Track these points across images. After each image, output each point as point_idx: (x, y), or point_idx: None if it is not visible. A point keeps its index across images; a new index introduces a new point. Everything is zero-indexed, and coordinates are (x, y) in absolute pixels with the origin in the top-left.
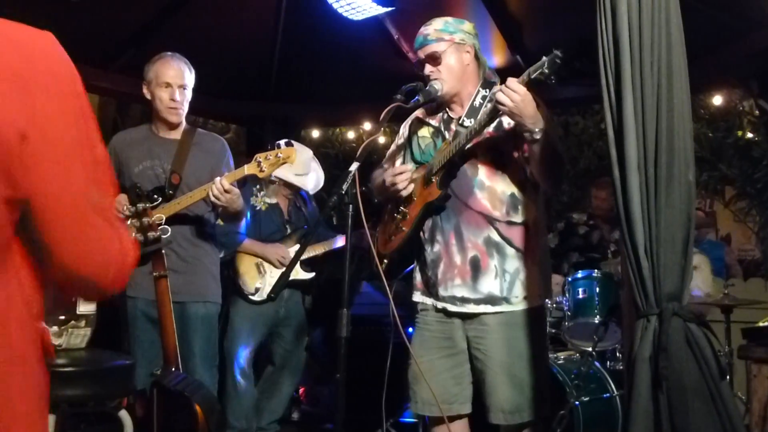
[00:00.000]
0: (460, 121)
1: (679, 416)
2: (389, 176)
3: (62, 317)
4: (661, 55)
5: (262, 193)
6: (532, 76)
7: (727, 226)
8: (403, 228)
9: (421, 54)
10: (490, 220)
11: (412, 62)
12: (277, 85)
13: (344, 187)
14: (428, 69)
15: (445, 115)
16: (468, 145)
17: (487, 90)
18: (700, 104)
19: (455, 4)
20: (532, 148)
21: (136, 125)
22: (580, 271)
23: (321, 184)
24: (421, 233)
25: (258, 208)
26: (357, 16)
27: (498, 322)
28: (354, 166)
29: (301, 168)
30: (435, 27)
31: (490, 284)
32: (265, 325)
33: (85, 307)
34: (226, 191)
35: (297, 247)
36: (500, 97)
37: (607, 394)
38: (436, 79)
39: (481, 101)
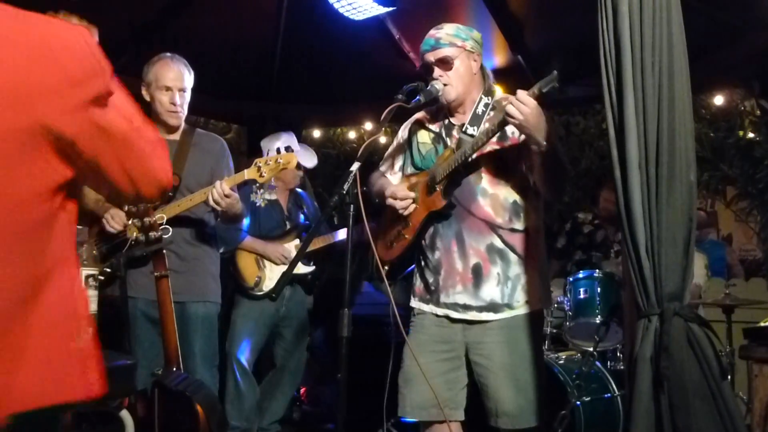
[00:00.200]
0: (464, 129)
1: (681, 416)
2: (390, 198)
3: None
4: (662, 55)
5: (261, 190)
6: (544, 90)
7: (729, 226)
8: (406, 235)
9: (431, 57)
10: (493, 227)
11: (414, 63)
12: (278, 85)
13: (345, 187)
14: (437, 72)
15: (446, 121)
16: (473, 156)
17: (489, 98)
18: (702, 104)
19: (456, 4)
20: (538, 159)
21: None
22: (581, 271)
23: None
24: (422, 240)
25: (258, 204)
26: (358, 16)
27: (500, 325)
28: (355, 166)
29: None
30: (447, 32)
31: (491, 291)
32: (266, 325)
33: None
34: (225, 196)
35: (297, 242)
36: (510, 109)
37: (609, 394)
38: (446, 84)
39: (484, 109)
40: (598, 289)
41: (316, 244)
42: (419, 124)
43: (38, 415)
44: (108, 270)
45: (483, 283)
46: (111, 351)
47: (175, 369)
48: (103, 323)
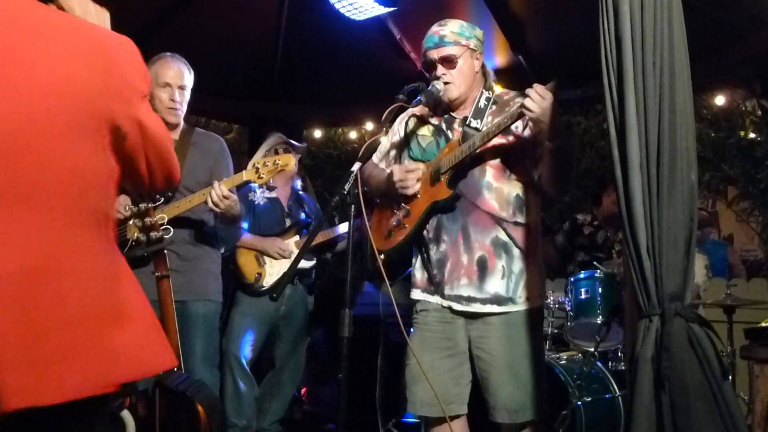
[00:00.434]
0: (467, 122)
1: (682, 416)
2: (399, 173)
3: None
4: (663, 55)
5: (260, 189)
6: (559, 88)
7: (730, 226)
8: (406, 225)
9: (435, 54)
10: (498, 221)
11: (415, 63)
12: (279, 86)
13: (346, 187)
14: (441, 71)
15: (446, 115)
16: (481, 147)
17: (490, 92)
18: (703, 104)
19: (457, 4)
20: (548, 155)
21: None
22: (582, 272)
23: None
24: (425, 232)
25: (257, 202)
26: (359, 16)
27: (502, 321)
28: (356, 166)
29: None
30: (452, 29)
31: (496, 284)
32: (264, 323)
33: None
34: (224, 197)
35: (296, 239)
36: (528, 103)
37: (610, 395)
38: (448, 82)
39: (486, 102)
40: (599, 290)
41: (318, 239)
42: (417, 118)
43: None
44: None
45: (488, 277)
46: None
47: (176, 369)
48: None
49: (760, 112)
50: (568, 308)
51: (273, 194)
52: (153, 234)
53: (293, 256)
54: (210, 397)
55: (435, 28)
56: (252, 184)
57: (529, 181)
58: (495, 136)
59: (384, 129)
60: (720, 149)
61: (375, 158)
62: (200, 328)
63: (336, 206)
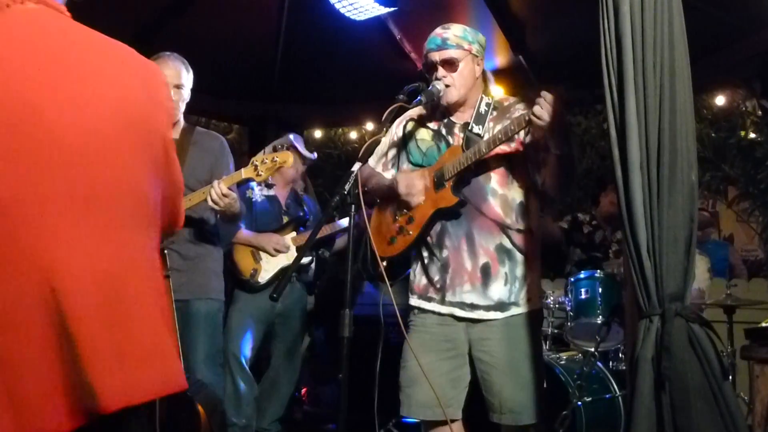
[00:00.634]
0: (469, 128)
1: (682, 417)
2: (404, 187)
3: None
4: (663, 55)
5: (259, 187)
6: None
7: (730, 226)
8: (410, 231)
9: (436, 56)
10: (503, 227)
11: (415, 63)
12: (279, 86)
13: (347, 187)
14: (441, 73)
15: (446, 119)
16: (488, 154)
17: (489, 98)
18: (703, 104)
19: (458, 4)
20: (554, 161)
21: None
22: (582, 272)
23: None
24: (428, 238)
25: (254, 200)
26: (359, 16)
27: (503, 323)
28: (356, 167)
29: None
30: (455, 32)
31: (499, 290)
32: (261, 321)
33: None
34: (224, 195)
35: (293, 235)
36: (538, 111)
37: (610, 395)
38: (448, 85)
39: (486, 108)
40: (600, 290)
41: (321, 232)
42: (416, 122)
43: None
44: None
45: (491, 283)
46: None
47: None
48: None
49: (760, 112)
50: (568, 308)
51: (271, 192)
52: None
53: (290, 252)
54: (210, 397)
55: (438, 30)
56: (251, 183)
57: (531, 187)
58: (502, 143)
59: (384, 129)
60: (720, 149)
61: (371, 161)
62: (202, 327)
63: (336, 206)
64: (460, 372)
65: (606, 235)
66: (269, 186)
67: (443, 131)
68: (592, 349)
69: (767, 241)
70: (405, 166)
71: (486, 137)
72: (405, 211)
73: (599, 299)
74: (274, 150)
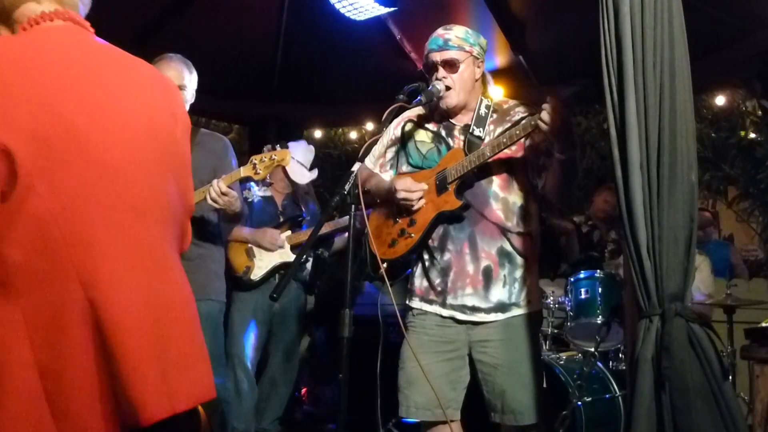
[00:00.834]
0: (470, 130)
1: (682, 416)
2: (404, 192)
3: None
4: (663, 55)
5: (255, 187)
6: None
7: (730, 226)
8: (412, 234)
9: (437, 57)
10: (504, 231)
11: (415, 63)
12: (279, 86)
13: (346, 187)
14: (442, 73)
15: (445, 121)
16: (492, 158)
17: (488, 100)
18: (703, 104)
19: (458, 4)
20: (557, 165)
21: None
22: (582, 272)
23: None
24: (430, 240)
25: (250, 200)
26: (359, 16)
27: (504, 324)
28: (356, 167)
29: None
30: (457, 34)
31: (499, 293)
32: (261, 320)
33: None
34: (223, 194)
35: (288, 233)
36: (545, 116)
37: (610, 395)
38: (449, 87)
39: (486, 110)
40: (599, 290)
41: (324, 229)
42: (414, 123)
43: None
44: None
45: (492, 286)
46: None
47: None
48: None
49: (760, 112)
50: (568, 308)
51: (268, 192)
52: None
53: (284, 251)
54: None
55: (440, 31)
56: (250, 183)
57: (530, 190)
58: (507, 147)
59: (384, 129)
60: (720, 149)
61: (368, 162)
62: (204, 328)
63: (336, 206)
64: (459, 373)
65: (602, 233)
66: (267, 184)
67: (443, 133)
68: (592, 349)
69: (767, 241)
70: (404, 168)
71: (487, 140)
72: (405, 213)
73: (599, 299)
74: (272, 148)
